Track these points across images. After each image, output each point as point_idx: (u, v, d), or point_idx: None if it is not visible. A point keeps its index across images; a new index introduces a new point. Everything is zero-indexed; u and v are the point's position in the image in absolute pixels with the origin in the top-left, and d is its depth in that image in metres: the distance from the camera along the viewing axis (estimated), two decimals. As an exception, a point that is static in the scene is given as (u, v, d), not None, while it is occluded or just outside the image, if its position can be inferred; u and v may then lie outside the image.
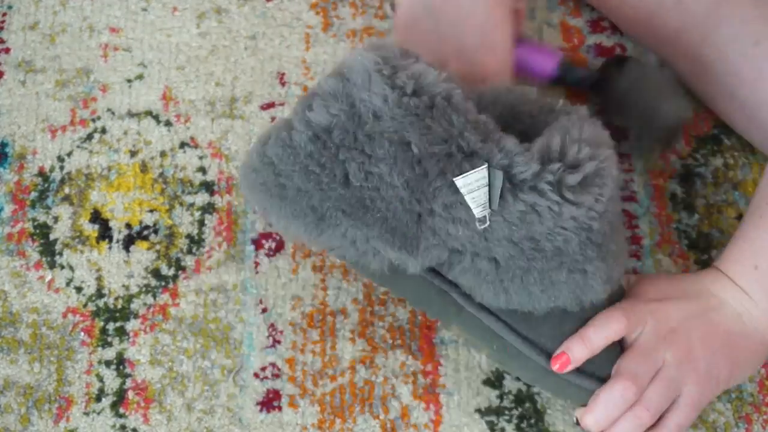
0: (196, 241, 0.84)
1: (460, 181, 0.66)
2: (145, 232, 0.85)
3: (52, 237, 0.85)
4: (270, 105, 0.90)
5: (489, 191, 0.66)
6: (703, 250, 0.84)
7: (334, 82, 0.69)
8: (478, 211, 0.67)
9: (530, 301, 0.70)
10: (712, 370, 0.72)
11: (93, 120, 0.90)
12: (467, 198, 0.66)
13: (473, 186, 0.66)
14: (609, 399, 0.71)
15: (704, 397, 0.72)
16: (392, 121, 0.67)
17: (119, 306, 0.83)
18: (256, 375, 0.80)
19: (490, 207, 0.67)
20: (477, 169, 0.66)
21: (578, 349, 0.71)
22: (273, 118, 0.89)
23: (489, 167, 0.66)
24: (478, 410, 0.79)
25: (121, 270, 0.84)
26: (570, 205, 0.66)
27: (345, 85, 0.69)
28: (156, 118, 0.90)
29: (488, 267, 0.70)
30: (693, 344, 0.72)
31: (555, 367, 0.71)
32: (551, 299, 0.70)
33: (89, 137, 0.89)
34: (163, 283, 0.83)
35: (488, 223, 0.67)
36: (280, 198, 0.71)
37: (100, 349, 0.81)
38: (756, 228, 0.74)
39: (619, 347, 0.73)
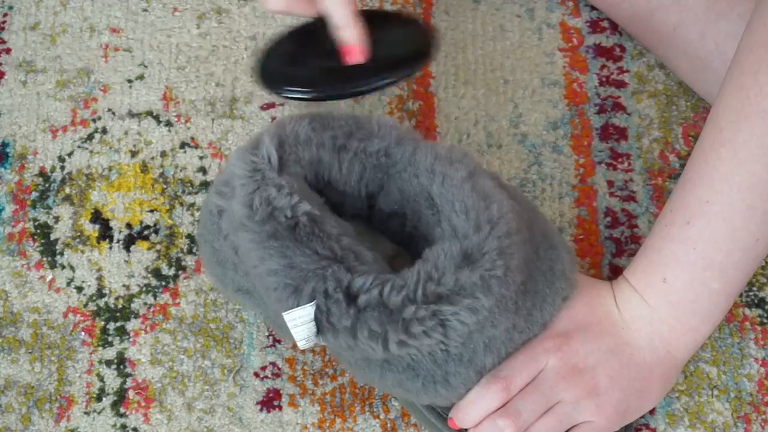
0: (196, 241, 0.85)
1: (287, 316, 0.66)
2: (146, 232, 0.85)
3: (52, 237, 0.85)
4: (270, 105, 0.90)
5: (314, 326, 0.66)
6: (702, 250, 0.84)
7: (226, 170, 0.70)
8: (301, 343, 0.67)
9: (408, 395, 0.71)
10: (620, 406, 0.72)
11: (93, 120, 0.90)
12: (293, 331, 0.66)
13: (298, 321, 0.66)
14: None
15: (609, 430, 0.72)
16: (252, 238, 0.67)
17: (120, 306, 0.83)
18: (256, 374, 0.80)
19: (315, 339, 0.67)
20: (303, 307, 0.65)
21: (459, 420, 0.71)
22: (273, 118, 0.89)
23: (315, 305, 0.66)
24: (478, 410, 0.79)
25: (122, 270, 0.84)
26: (415, 339, 0.65)
27: (229, 178, 0.70)
28: (156, 118, 0.90)
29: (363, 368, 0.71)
30: (599, 381, 0.71)
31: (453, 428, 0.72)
32: (423, 398, 0.70)
33: (90, 137, 0.89)
34: (163, 283, 0.83)
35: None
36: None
37: (100, 348, 0.81)
38: (663, 238, 0.71)
39: None
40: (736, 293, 0.72)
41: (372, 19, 0.73)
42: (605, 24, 0.93)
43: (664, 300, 0.72)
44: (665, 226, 0.71)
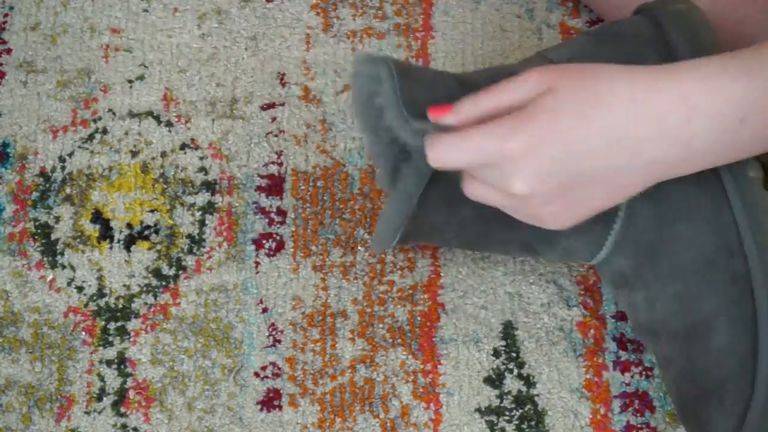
0: (196, 241, 0.85)
1: None
2: (146, 232, 0.85)
3: (53, 237, 0.85)
4: (270, 105, 0.90)
5: None
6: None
7: None
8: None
9: None
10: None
11: (94, 120, 0.90)
12: None
13: None
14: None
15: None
16: None
17: (120, 305, 0.83)
18: (256, 374, 0.80)
19: None
20: None
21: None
22: (273, 119, 0.89)
23: None
24: (478, 410, 0.79)
25: (122, 270, 0.84)
26: None
27: None
28: (157, 118, 0.90)
29: None
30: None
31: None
32: None
33: (90, 138, 0.89)
34: (163, 283, 0.83)
35: None
36: None
37: (101, 348, 0.81)
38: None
39: None
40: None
41: None
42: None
43: (733, 137, 0.65)
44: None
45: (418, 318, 0.82)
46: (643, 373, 0.80)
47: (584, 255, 0.75)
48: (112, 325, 0.82)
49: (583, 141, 0.63)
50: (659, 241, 0.72)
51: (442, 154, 0.65)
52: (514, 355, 0.80)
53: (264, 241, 0.84)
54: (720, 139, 0.64)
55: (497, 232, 0.74)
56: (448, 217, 0.73)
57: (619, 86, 0.63)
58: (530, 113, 0.63)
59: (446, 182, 0.70)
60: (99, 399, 0.80)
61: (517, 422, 0.78)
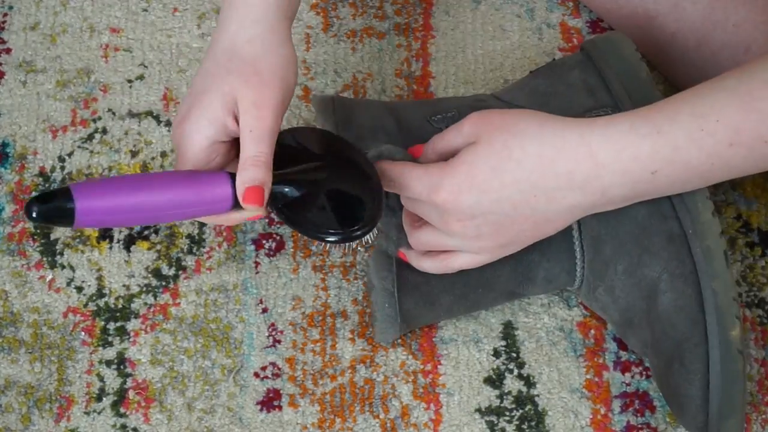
0: (196, 241, 0.85)
1: None
2: (146, 232, 0.85)
3: (52, 237, 0.85)
4: (270, 105, 0.90)
5: None
6: (702, 250, 0.84)
7: None
8: None
9: None
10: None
11: (94, 120, 0.90)
12: None
13: None
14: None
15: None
16: None
17: (120, 306, 0.83)
18: (256, 374, 0.80)
19: None
20: None
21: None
22: (273, 119, 0.89)
23: None
24: (478, 410, 0.79)
25: (122, 270, 0.84)
26: None
27: None
28: (157, 118, 0.90)
29: None
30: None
31: None
32: None
33: (90, 137, 0.89)
34: (163, 283, 0.83)
35: None
36: None
37: (100, 348, 0.81)
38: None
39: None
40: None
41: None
42: (605, 25, 0.93)
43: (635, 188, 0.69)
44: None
45: (418, 318, 0.82)
46: (644, 373, 0.80)
47: (565, 279, 0.78)
48: (111, 326, 0.82)
49: (496, 191, 0.69)
50: (603, 229, 0.75)
51: (390, 183, 0.73)
52: (514, 355, 0.80)
53: (264, 241, 0.84)
54: (636, 188, 0.69)
55: (480, 298, 0.79)
56: (433, 312, 0.79)
57: (529, 142, 0.69)
58: (453, 165, 0.70)
59: (418, 291, 0.78)
60: (99, 399, 0.80)
61: (517, 422, 0.78)
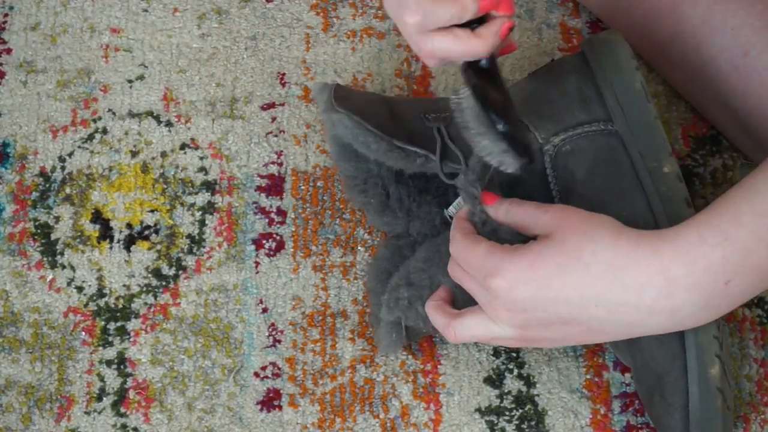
0: (196, 241, 0.85)
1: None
2: (146, 232, 0.85)
3: (53, 237, 0.85)
4: (270, 105, 0.90)
5: None
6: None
7: None
8: None
9: None
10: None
11: (94, 120, 0.90)
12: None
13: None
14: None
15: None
16: None
17: (120, 306, 0.83)
18: (256, 374, 0.80)
19: None
20: None
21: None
22: (273, 119, 0.89)
23: None
24: (478, 410, 0.79)
25: (122, 270, 0.84)
26: None
27: None
28: (157, 118, 0.90)
29: None
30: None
31: None
32: None
33: (90, 138, 0.89)
34: (163, 283, 0.83)
35: None
36: None
37: (101, 348, 0.81)
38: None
39: None
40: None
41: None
42: (605, 26, 0.93)
43: (712, 302, 0.66)
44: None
45: (418, 318, 0.82)
46: (643, 373, 0.80)
47: None
48: (112, 325, 0.82)
49: (556, 290, 0.66)
50: None
51: (454, 246, 0.71)
52: (514, 355, 0.80)
53: (264, 241, 0.85)
54: (708, 303, 0.65)
55: None
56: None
57: (602, 249, 0.66)
58: (520, 253, 0.67)
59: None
60: (99, 399, 0.80)
61: (517, 422, 0.78)
